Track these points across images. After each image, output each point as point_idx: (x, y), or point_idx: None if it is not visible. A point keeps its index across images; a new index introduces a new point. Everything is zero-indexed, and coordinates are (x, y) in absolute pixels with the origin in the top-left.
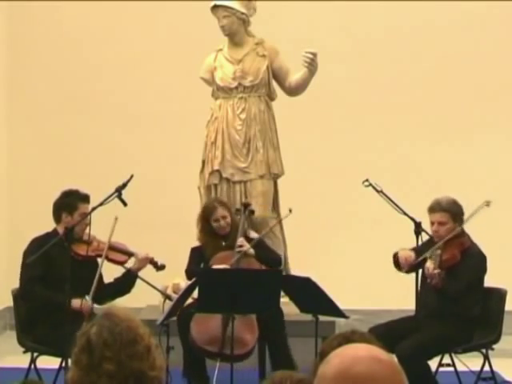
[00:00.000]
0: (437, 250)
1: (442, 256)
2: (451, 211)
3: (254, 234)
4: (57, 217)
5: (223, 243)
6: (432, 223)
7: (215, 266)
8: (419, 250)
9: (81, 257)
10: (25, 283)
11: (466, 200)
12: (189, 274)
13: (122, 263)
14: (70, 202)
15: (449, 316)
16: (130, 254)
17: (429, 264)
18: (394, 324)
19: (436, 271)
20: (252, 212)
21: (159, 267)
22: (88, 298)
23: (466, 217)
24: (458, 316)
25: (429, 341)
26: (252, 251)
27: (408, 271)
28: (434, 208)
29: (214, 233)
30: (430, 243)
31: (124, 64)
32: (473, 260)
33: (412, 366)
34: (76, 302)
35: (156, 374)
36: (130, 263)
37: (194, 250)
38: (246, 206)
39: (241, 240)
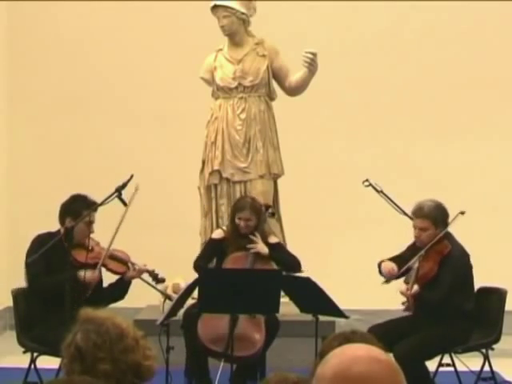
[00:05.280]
0: (415, 264)
1: (418, 271)
2: (432, 217)
3: (273, 239)
4: (62, 220)
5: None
6: (414, 227)
7: (228, 267)
8: (403, 256)
9: (79, 263)
10: (31, 280)
11: (466, 200)
12: (196, 268)
13: (120, 273)
14: (75, 208)
15: (444, 315)
16: (129, 265)
17: (402, 287)
18: (393, 323)
19: (409, 292)
20: (273, 214)
21: (159, 280)
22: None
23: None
24: (453, 314)
25: (426, 341)
26: (266, 250)
27: (388, 281)
28: (416, 213)
29: (238, 229)
30: (413, 248)
31: (124, 64)
32: (452, 265)
33: (410, 366)
34: (82, 273)
35: (150, 363)
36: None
37: (211, 242)
38: (267, 208)
39: (255, 234)
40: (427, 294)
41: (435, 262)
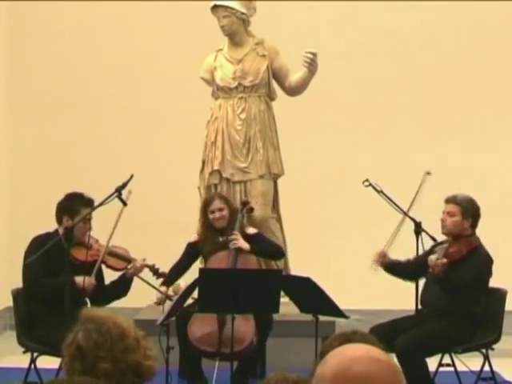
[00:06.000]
0: (443, 244)
1: (448, 249)
2: (463, 206)
3: (252, 230)
4: (59, 219)
5: (220, 239)
6: (443, 213)
7: (213, 267)
8: (419, 257)
9: (79, 261)
10: (29, 283)
11: None
12: (168, 274)
13: (119, 270)
14: (72, 206)
15: (450, 314)
16: (129, 261)
17: (432, 256)
18: (397, 323)
19: (439, 261)
20: (251, 209)
21: (159, 274)
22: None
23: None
24: (460, 314)
25: (428, 336)
26: (247, 246)
27: (382, 265)
28: (449, 200)
29: (211, 227)
30: (429, 252)
31: (124, 64)
32: (478, 259)
33: (410, 360)
34: (79, 280)
35: (151, 363)
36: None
37: (189, 246)
38: (245, 204)
39: (234, 233)
40: (451, 273)
41: (465, 246)
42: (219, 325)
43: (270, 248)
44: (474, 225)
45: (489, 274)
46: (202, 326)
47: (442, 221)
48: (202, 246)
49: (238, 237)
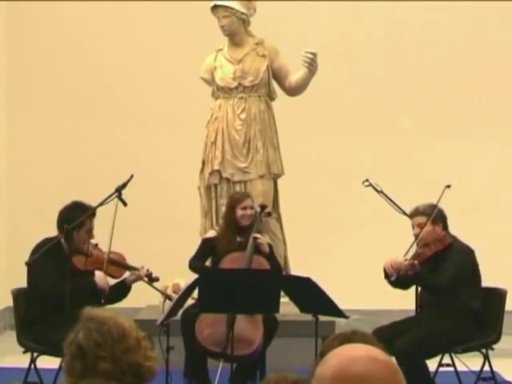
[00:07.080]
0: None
1: (417, 251)
2: (428, 214)
3: (268, 240)
4: (61, 227)
5: (238, 239)
6: (412, 227)
7: (226, 267)
8: None
9: (78, 270)
10: (49, 292)
11: (467, 199)
12: (191, 267)
13: (117, 278)
14: (75, 218)
15: (449, 314)
16: (128, 268)
17: (401, 259)
18: (399, 325)
19: (406, 262)
20: (269, 214)
21: (153, 279)
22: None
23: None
24: (458, 313)
25: (427, 337)
26: (267, 249)
27: (398, 277)
28: (413, 213)
29: (234, 224)
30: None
31: (124, 64)
32: (456, 253)
33: (410, 362)
34: (97, 281)
35: (151, 364)
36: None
37: (204, 242)
38: (263, 208)
39: (258, 235)
40: (427, 275)
41: (435, 246)
42: (228, 325)
43: (277, 265)
44: (445, 227)
45: (474, 264)
46: (210, 325)
47: (416, 235)
48: (218, 242)
49: (264, 236)
